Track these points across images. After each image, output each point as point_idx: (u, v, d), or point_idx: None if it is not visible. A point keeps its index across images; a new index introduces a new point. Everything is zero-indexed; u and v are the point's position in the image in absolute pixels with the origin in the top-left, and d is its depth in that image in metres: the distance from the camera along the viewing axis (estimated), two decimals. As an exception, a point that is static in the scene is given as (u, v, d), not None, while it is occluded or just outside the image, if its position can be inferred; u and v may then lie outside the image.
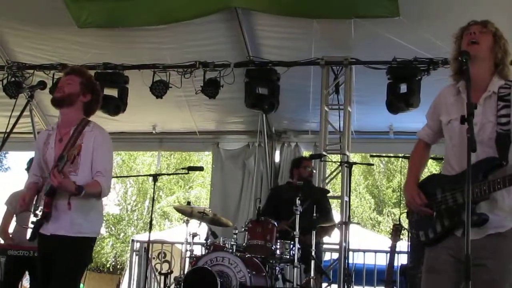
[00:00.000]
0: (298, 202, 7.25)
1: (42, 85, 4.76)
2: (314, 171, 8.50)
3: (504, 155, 3.57)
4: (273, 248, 7.36)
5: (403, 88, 8.24)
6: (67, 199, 4.64)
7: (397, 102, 8.26)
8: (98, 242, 26.90)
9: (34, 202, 4.78)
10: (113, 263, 27.43)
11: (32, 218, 4.72)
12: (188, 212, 7.99)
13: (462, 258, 3.17)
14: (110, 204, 28.07)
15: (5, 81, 9.34)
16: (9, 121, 4.61)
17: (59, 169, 4.47)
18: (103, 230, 27.72)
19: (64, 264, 4.67)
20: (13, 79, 9.31)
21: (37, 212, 4.71)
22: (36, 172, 4.90)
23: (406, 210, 4.03)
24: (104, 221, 26.95)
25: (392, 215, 24.25)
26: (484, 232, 3.57)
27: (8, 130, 4.51)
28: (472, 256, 3.11)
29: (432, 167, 24.98)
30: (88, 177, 4.70)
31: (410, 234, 4.85)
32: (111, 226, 27.95)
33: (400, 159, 8.09)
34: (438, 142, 4.16)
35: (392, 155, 10.89)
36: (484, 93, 3.70)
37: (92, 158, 4.73)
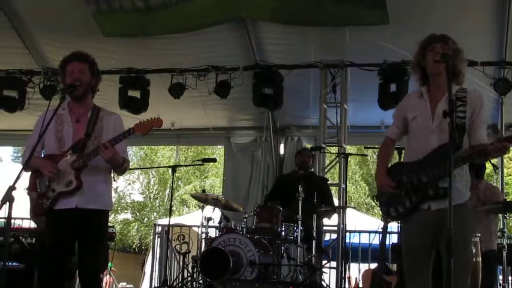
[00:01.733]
0: (300, 189, 7.27)
1: (72, 87, 4.60)
2: (312, 160, 8.48)
3: (461, 141, 3.91)
4: (278, 230, 7.37)
5: (393, 87, 8.22)
6: (96, 175, 4.56)
7: (388, 100, 8.26)
8: (124, 226, 27.00)
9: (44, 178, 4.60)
10: (138, 245, 27.46)
11: (49, 193, 4.54)
12: (203, 199, 8.01)
13: (428, 228, 3.94)
14: (135, 192, 28.14)
15: (41, 85, 9.37)
16: (44, 117, 4.51)
17: (111, 142, 4.41)
18: (129, 215, 27.81)
19: (97, 234, 4.60)
20: (48, 83, 9.34)
21: (53, 187, 4.53)
22: (37, 149, 4.55)
23: (375, 194, 4.31)
24: (130, 207, 27.27)
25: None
26: (445, 204, 3.69)
27: (43, 129, 4.43)
28: (440, 222, 3.75)
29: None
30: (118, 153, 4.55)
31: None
32: (136, 212, 27.98)
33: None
34: (401, 139, 4.48)
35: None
36: (446, 95, 3.94)
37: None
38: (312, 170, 8.75)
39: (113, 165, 4.58)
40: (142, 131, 4.50)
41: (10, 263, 6.84)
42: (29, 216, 6.54)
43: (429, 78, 4.20)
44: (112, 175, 4.77)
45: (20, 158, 5.20)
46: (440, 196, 3.90)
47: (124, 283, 19.17)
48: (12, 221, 8.39)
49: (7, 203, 3.80)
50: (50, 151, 4.66)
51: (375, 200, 4.16)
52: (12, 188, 3.85)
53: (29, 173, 4.70)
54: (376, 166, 4.12)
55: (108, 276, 14.35)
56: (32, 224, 7.56)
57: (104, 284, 14.59)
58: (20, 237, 7.01)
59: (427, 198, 4.02)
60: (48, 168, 4.53)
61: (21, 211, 4.86)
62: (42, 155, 4.76)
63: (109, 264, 10.44)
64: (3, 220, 3.92)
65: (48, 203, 4.55)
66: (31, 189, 4.70)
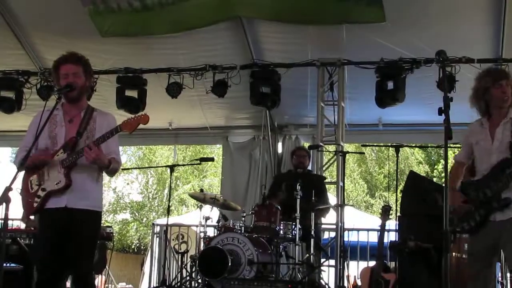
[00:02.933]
0: (298, 187, 7.28)
1: (69, 87, 4.60)
2: (309, 160, 8.51)
3: None
4: (277, 228, 7.39)
5: (390, 85, 8.21)
6: (86, 174, 4.55)
7: (385, 98, 8.26)
8: (123, 226, 26.99)
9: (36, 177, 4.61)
10: (137, 245, 27.46)
11: (40, 192, 4.55)
12: (201, 198, 8.02)
13: (491, 236, 4.49)
14: (134, 192, 28.13)
15: (38, 86, 9.37)
16: (40, 119, 4.52)
17: (95, 143, 4.41)
18: (127, 215, 27.80)
19: (88, 234, 4.58)
20: (45, 83, 9.33)
21: (43, 186, 4.55)
22: (29, 147, 4.49)
23: (451, 212, 4.47)
24: (128, 207, 27.25)
25: (383, 198, 24.21)
26: (508, 215, 4.45)
27: (39, 128, 4.44)
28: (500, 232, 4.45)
29: (418, 155, 24.99)
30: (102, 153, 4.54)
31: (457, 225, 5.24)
32: (135, 212, 27.97)
33: (389, 148, 8.07)
34: (469, 162, 5.03)
35: (382, 144, 10.88)
36: (504, 119, 4.70)
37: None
38: (309, 168, 8.77)
39: (99, 166, 4.56)
40: (129, 129, 4.48)
41: (8, 264, 6.84)
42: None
43: (490, 109, 4.82)
44: (102, 175, 4.75)
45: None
46: (504, 206, 4.49)
47: (124, 284, 19.19)
48: (10, 222, 8.42)
49: (4, 204, 3.81)
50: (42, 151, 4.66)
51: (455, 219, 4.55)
52: (8, 189, 3.85)
53: (23, 173, 4.69)
54: (448, 189, 4.23)
55: (101, 276, 14.28)
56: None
57: (98, 284, 14.59)
58: (18, 238, 7.02)
59: (493, 210, 4.56)
60: (41, 156, 4.55)
61: (19, 212, 4.84)
62: None
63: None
64: (0, 221, 3.92)
65: (38, 202, 4.57)
66: (24, 189, 4.71)
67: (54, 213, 4.53)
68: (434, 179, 20.75)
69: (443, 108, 3.29)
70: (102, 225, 6.59)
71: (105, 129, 4.60)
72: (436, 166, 24.30)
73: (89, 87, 4.85)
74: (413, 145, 12.89)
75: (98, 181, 4.69)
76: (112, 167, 4.62)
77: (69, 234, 4.49)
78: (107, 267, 8.21)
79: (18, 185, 4.21)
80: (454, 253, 6.07)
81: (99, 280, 14.37)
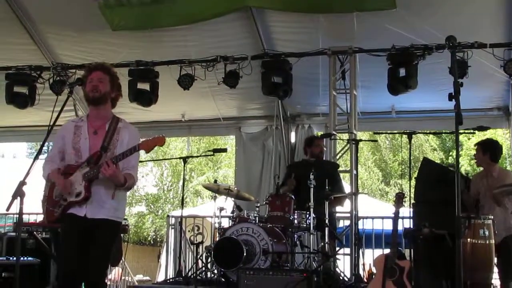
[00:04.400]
0: (311, 176, 7.28)
1: (80, 81, 4.71)
2: (325, 148, 8.52)
3: None
4: (291, 218, 7.39)
5: (402, 72, 8.18)
6: (105, 187, 4.62)
7: (397, 85, 8.23)
8: (139, 219, 27.09)
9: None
10: (154, 237, 27.56)
11: (61, 202, 4.65)
12: (215, 189, 8.05)
13: None
14: (149, 185, 28.19)
15: (51, 80, 9.42)
16: (52, 114, 4.59)
17: (113, 160, 4.49)
18: (143, 208, 27.89)
19: (104, 242, 4.66)
20: (58, 78, 9.38)
21: (65, 196, 4.62)
22: (55, 159, 4.76)
23: None
24: (144, 200, 27.36)
25: (398, 185, 24.12)
26: None
27: (51, 123, 4.53)
28: None
29: (432, 141, 24.87)
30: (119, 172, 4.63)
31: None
32: (150, 204, 28.04)
33: (402, 135, 8.04)
34: None
35: (394, 131, 10.85)
36: None
37: None
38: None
39: (114, 183, 4.63)
40: (147, 149, 4.61)
41: (25, 258, 6.91)
42: (41, 211, 6.59)
43: None
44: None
45: (35, 154, 5.21)
46: None
47: (141, 276, 19.26)
48: (26, 216, 8.50)
49: (18, 198, 3.85)
50: (68, 162, 4.74)
51: None
52: (22, 183, 3.89)
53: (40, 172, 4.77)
54: None
55: (117, 268, 14.37)
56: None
57: (115, 276, 14.68)
58: (35, 232, 7.08)
59: None
60: (62, 186, 4.61)
61: (34, 207, 4.91)
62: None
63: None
64: (15, 215, 3.97)
65: (59, 212, 4.66)
66: (47, 196, 4.81)
67: (75, 219, 4.62)
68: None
69: (453, 94, 3.27)
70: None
71: (126, 142, 4.69)
72: (450, 153, 24.20)
73: (114, 99, 4.88)
74: (426, 131, 12.84)
75: (114, 195, 4.72)
76: (128, 185, 4.70)
77: (86, 241, 4.59)
78: (123, 259, 8.27)
79: (31, 179, 4.24)
80: (469, 239, 6.05)
81: (116, 272, 14.50)
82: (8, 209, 3.93)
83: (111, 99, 4.84)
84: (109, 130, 4.73)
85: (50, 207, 4.73)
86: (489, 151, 6.93)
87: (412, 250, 6.78)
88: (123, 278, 14.13)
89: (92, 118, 4.82)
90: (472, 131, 7.01)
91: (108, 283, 13.56)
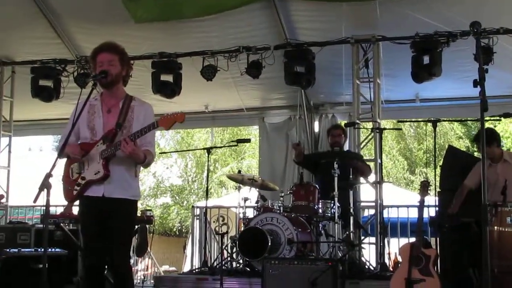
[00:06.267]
0: (336, 165, 7.27)
1: (104, 74, 4.63)
2: (343, 136, 8.45)
3: None
4: (315, 207, 7.41)
5: (426, 59, 8.10)
6: (125, 165, 4.62)
7: (421, 73, 8.16)
8: (164, 210, 27.26)
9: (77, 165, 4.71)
10: (179, 228, 27.70)
11: (79, 180, 4.64)
12: (239, 179, 8.07)
13: None
14: (173, 176, 28.35)
15: (75, 74, 9.50)
16: (76, 106, 4.61)
17: (131, 137, 4.48)
18: (168, 199, 28.06)
19: (124, 225, 4.68)
20: (82, 71, 9.46)
21: (83, 175, 4.64)
22: (72, 138, 4.67)
23: None
24: (169, 191, 27.51)
25: (423, 174, 23.96)
26: None
27: (76, 116, 4.54)
28: None
29: (458, 129, 24.64)
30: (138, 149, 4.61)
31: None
32: (175, 195, 28.20)
33: (427, 123, 7.98)
34: None
35: (419, 119, 10.78)
36: None
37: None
38: (347, 147, 8.76)
39: (133, 159, 4.62)
40: (166, 125, 4.51)
41: (52, 250, 6.99)
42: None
43: None
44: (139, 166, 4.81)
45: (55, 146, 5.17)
46: None
47: (167, 266, 19.40)
48: (53, 208, 8.59)
49: (45, 190, 3.89)
50: (83, 141, 4.75)
51: None
52: (49, 175, 3.93)
53: (65, 160, 4.78)
54: None
55: (147, 259, 14.52)
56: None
57: (144, 267, 14.82)
58: (62, 224, 7.16)
59: None
60: (75, 151, 4.64)
61: (60, 198, 4.95)
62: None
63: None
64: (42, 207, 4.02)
65: (78, 190, 4.66)
66: (64, 175, 4.81)
67: (92, 201, 4.63)
68: (475, 154, 20.46)
69: (478, 80, 3.24)
70: (143, 208, 6.69)
71: (142, 119, 4.66)
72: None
73: (126, 76, 4.85)
74: (451, 119, 12.73)
75: (135, 172, 4.75)
76: (147, 161, 4.69)
77: (106, 222, 4.59)
78: (149, 249, 8.32)
79: (58, 172, 4.28)
80: (496, 227, 6.00)
81: (145, 263, 14.63)
82: (35, 201, 3.96)
83: (123, 77, 4.81)
84: (123, 108, 4.72)
85: (69, 186, 4.74)
86: (494, 141, 6.88)
87: (438, 238, 6.75)
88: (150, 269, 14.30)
89: (106, 97, 4.81)
90: (498, 118, 6.92)
91: (141, 274, 13.73)
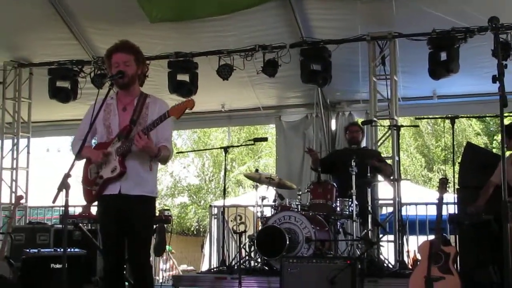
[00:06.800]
0: (353, 163, 7.25)
1: (120, 74, 4.62)
2: (362, 133, 8.42)
3: None
4: (333, 205, 7.38)
5: (443, 56, 8.06)
6: (140, 160, 4.60)
7: (439, 69, 8.12)
8: (182, 209, 27.33)
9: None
10: (197, 227, 27.75)
11: (98, 180, 4.64)
12: (256, 178, 8.06)
13: None
14: (190, 175, 28.42)
15: (92, 74, 9.55)
16: (93, 108, 4.61)
17: (144, 131, 4.46)
18: (185, 199, 28.13)
19: (143, 221, 4.66)
20: (98, 72, 9.51)
21: (101, 174, 4.63)
22: (88, 139, 4.69)
23: None
24: (186, 191, 27.59)
25: (442, 171, 23.82)
26: None
27: (93, 117, 4.57)
28: None
29: (476, 126, 24.47)
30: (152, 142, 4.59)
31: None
32: (192, 195, 28.25)
33: (445, 120, 7.92)
34: None
35: (436, 116, 10.71)
36: None
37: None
38: (364, 145, 8.73)
39: (148, 154, 4.61)
40: (177, 114, 4.46)
41: (71, 250, 7.04)
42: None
43: None
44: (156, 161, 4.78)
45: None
46: None
47: (185, 266, 19.46)
48: (72, 208, 8.64)
49: (64, 190, 3.91)
50: (100, 140, 4.76)
51: None
52: (67, 175, 3.95)
53: (83, 162, 4.79)
54: None
55: (172, 260, 14.62)
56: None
57: (167, 267, 14.86)
58: (80, 224, 7.20)
59: None
60: (95, 155, 4.64)
61: (80, 199, 4.97)
62: (93, 143, 4.87)
63: (168, 247, 10.64)
64: (61, 208, 4.03)
65: (97, 190, 4.66)
66: (84, 177, 4.80)
67: (110, 199, 4.62)
68: (494, 150, 20.28)
69: (497, 76, 3.21)
70: (160, 208, 6.70)
71: (156, 115, 4.62)
72: (495, 137, 23.74)
73: (141, 75, 4.85)
74: (469, 115, 12.63)
75: (150, 166, 4.71)
76: (163, 156, 4.64)
77: (124, 221, 4.58)
78: (167, 248, 8.34)
79: (76, 172, 4.30)
80: (516, 224, 5.94)
81: (169, 263, 14.69)
82: (54, 201, 3.98)
83: (139, 76, 4.80)
84: (137, 105, 4.71)
85: (88, 186, 4.74)
86: None
87: (457, 236, 6.70)
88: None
89: (121, 96, 4.80)
90: (515, 113, 6.86)
91: (166, 274, 13.77)
